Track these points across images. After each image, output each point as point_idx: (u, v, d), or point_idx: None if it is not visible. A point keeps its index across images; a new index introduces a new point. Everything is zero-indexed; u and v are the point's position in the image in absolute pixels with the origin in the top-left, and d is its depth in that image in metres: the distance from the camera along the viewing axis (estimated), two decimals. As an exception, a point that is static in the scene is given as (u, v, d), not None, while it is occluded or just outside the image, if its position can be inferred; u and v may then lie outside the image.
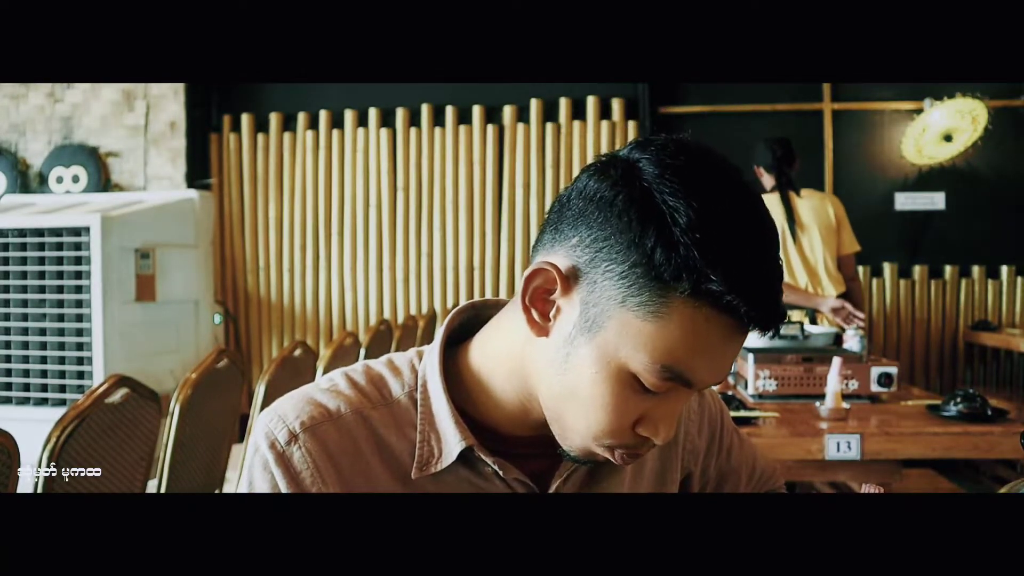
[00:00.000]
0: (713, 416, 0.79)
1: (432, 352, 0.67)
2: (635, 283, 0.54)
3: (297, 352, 2.40)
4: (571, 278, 0.58)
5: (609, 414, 0.58)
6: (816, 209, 3.18)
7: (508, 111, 4.58)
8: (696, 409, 0.77)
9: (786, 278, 3.06)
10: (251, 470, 0.63)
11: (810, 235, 3.20)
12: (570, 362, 0.58)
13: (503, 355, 0.64)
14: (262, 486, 0.62)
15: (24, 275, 3.73)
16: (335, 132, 4.68)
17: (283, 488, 0.62)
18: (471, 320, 0.70)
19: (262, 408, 2.06)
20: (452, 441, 0.63)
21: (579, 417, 0.59)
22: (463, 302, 0.72)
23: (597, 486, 0.69)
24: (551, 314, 0.59)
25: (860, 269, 4.51)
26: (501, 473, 0.64)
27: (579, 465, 0.67)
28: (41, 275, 3.74)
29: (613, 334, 0.56)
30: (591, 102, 4.50)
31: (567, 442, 0.62)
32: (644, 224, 0.53)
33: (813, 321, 3.27)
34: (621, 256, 0.54)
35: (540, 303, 0.60)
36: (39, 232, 3.73)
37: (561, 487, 0.66)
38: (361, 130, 4.67)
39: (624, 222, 0.54)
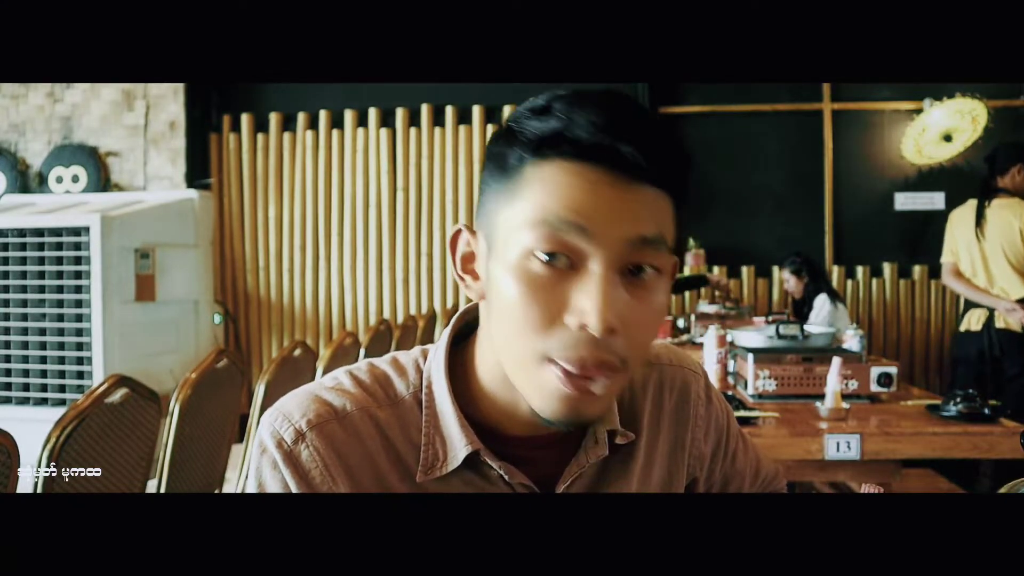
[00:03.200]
0: (720, 421, 0.78)
1: (437, 353, 0.66)
2: (498, 184, 0.58)
3: (297, 352, 2.40)
4: (477, 229, 0.62)
5: (528, 306, 0.55)
6: (1002, 216, 3.39)
7: (508, 111, 4.58)
8: (703, 415, 0.76)
9: (974, 277, 3.38)
10: (259, 470, 0.62)
11: (991, 240, 3.41)
12: (491, 293, 0.59)
13: (488, 356, 0.63)
14: (273, 486, 0.62)
15: (24, 275, 3.74)
16: (335, 132, 4.68)
17: (293, 488, 0.61)
18: (477, 319, 0.69)
19: (262, 408, 2.06)
20: (458, 445, 0.62)
21: (512, 331, 0.56)
22: (463, 302, 0.72)
23: (603, 489, 0.69)
24: (479, 271, 0.62)
25: (860, 269, 4.52)
26: (507, 478, 0.63)
27: (584, 469, 0.66)
28: (41, 275, 3.74)
29: (502, 239, 0.57)
30: (591, 102, 4.50)
31: (525, 388, 0.58)
32: (496, 140, 0.59)
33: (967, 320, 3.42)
34: (489, 177, 0.60)
35: (470, 270, 0.63)
36: (39, 232, 3.73)
37: (566, 492, 0.66)
38: (361, 130, 4.68)
39: (487, 154, 0.60)
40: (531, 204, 0.55)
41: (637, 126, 0.54)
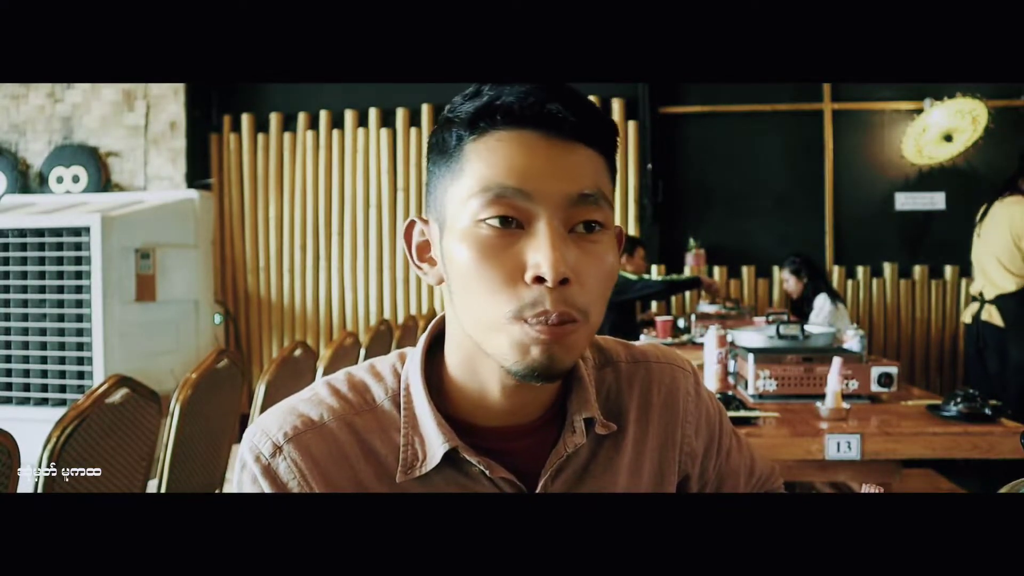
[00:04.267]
0: (711, 418, 0.79)
1: (414, 355, 0.68)
2: (442, 168, 0.62)
3: (297, 352, 2.40)
4: (427, 217, 0.65)
5: (487, 270, 0.58)
6: (1002, 213, 3.52)
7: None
8: (693, 411, 0.77)
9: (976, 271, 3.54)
10: (240, 485, 0.64)
11: (985, 239, 3.55)
12: (449, 270, 0.62)
13: (454, 344, 0.66)
14: None
15: (24, 275, 3.74)
16: (335, 132, 4.69)
17: None
18: None
19: (262, 408, 2.06)
20: (436, 444, 0.63)
21: (476, 300, 0.59)
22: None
23: (588, 485, 0.69)
24: (435, 257, 0.64)
25: (860, 269, 4.52)
26: (488, 472, 0.64)
27: (565, 462, 0.67)
28: (41, 275, 3.74)
29: (452, 214, 0.61)
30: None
31: (498, 349, 0.60)
32: (435, 131, 0.64)
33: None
34: (432, 165, 0.63)
35: (426, 258, 0.66)
36: (39, 232, 3.73)
37: (549, 484, 0.66)
38: (361, 130, 4.68)
39: (430, 145, 0.64)
40: (474, 176, 0.59)
41: (562, 90, 0.60)
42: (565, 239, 0.58)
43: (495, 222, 0.58)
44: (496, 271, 0.58)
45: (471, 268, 0.58)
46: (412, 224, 0.67)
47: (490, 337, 0.60)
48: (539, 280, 0.57)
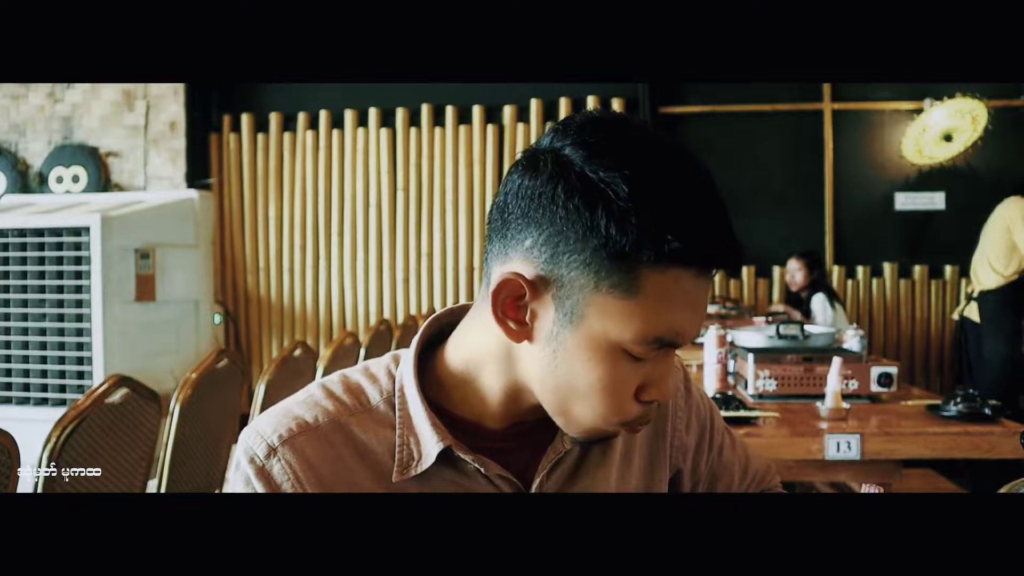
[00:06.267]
0: (702, 414, 0.79)
1: (408, 356, 0.68)
2: (601, 266, 0.56)
3: (297, 352, 2.40)
4: (537, 281, 0.58)
5: (611, 394, 0.60)
6: (1000, 212, 3.67)
7: (508, 111, 4.58)
8: (684, 407, 0.77)
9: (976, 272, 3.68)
10: (234, 487, 0.64)
11: (982, 238, 3.71)
12: (559, 358, 0.60)
13: (485, 352, 0.65)
14: None
15: (24, 275, 3.73)
16: (335, 132, 4.69)
17: None
18: (450, 324, 0.70)
19: (262, 408, 2.06)
20: (430, 443, 0.63)
21: (584, 406, 0.61)
22: (463, 302, 0.72)
23: (582, 480, 0.69)
24: (526, 319, 0.60)
25: (860, 269, 4.53)
26: (483, 470, 0.64)
27: (561, 457, 0.67)
28: (41, 275, 3.73)
29: (595, 320, 0.57)
30: (591, 102, 4.50)
31: (574, 429, 0.63)
32: (591, 207, 0.55)
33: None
34: (579, 245, 0.56)
35: (513, 312, 0.60)
36: (39, 232, 3.73)
37: (545, 482, 0.67)
38: (361, 130, 4.68)
39: (571, 210, 0.55)
40: (649, 312, 0.57)
41: (729, 227, 0.57)
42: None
43: (644, 357, 0.59)
44: (620, 394, 0.60)
45: (595, 384, 0.60)
46: (507, 283, 0.59)
47: (568, 422, 0.63)
48: (650, 400, 0.62)
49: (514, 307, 0.60)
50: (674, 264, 0.55)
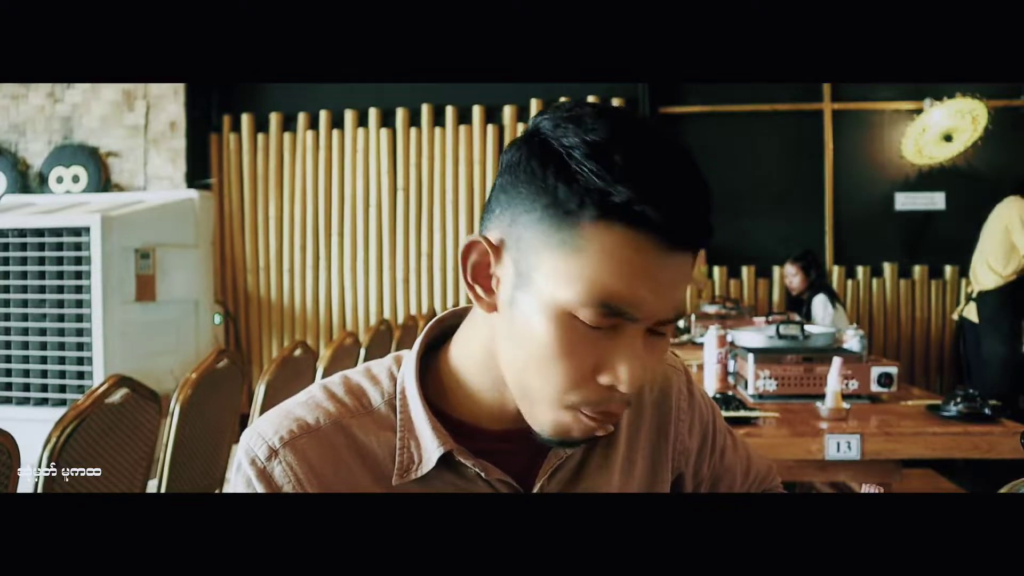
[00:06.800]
0: (704, 417, 0.79)
1: (409, 358, 0.67)
2: (550, 224, 0.55)
3: (297, 352, 2.40)
4: (500, 245, 0.59)
5: (563, 361, 0.56)
6: (998, 212, 3.70)
7: (508, 111, 4.58)
8: (687, 410, 0.77)
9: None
10: (235, 489, 0.64)
11: (981, 238, 3.73)
12: (516, 323, 0.58)
13: (475, 349, 0.65)
14: None
15: (24, 275, 3.73)
16: (335, 132, 4.69)
17: None
18: (452, 327, 0.70)
19: (262, 408, 2.06)
20: (431, 447, 0.63)
21: (538, 377, 0.58)
22: (463, 302, 0.72)
23: (583, 484, 0.69)
24: (493, 286, 0.60)
25: (860, 269, 4.53)
26: (484, 475, 0.64)
27: (563, 461, 0.67)
28: (41, 275, 3.73)
29: (544, 280, 0.56)
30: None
31: (537, 420, 0.60)
32: (545, 166, 0.55)
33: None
34: (531, 203, 0.56)
35: (482, 279, 0.61)
36: (39, 232, 3.73)
37: (546, 486, 0.66)
38: (361, 130, 4.68)
39: (528, 172, 0.56)
40: (590, 269, 0.54)
41: (699, 195, 0.55)
42: (644, 344, 0.58)
43: (593, 324, 0.55)
44: (573, 366, 0.56)
45: (546, 349, 0.56)
46: (475, 245, 0.60)
47: (535, 408, 0.60)
48: (613, 386, 0.57)
49: (483, 274, 0.61)
50: (619, 222, 0.53)
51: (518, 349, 0.59)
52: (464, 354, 0.66)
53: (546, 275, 0.56)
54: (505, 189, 0.58)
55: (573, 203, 0.54)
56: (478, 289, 0.61)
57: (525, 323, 0.57)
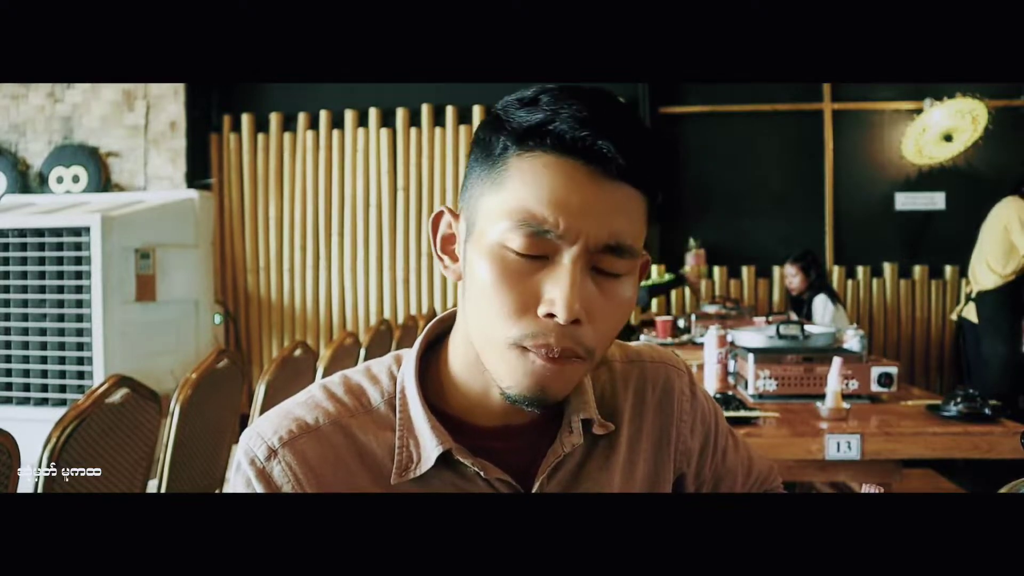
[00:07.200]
0: (707, 418, 0.79)
1: (409, 357, 0.68)
2: (483, 172, 0.60)
3: (297, 352, 2.40)
4: (459, 212, 0.64)
5: (500, 294, 0.57)
6: (996, 212, 3.71)
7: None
8: (689, 410, 0.77)
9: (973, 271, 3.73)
10: (234, 488, 0.64)
11: (980, 239, 3.76)
12: (468, 278, 0.61)
13: (461, 341, 0.65)
14: None
15: (24, 275, 3.73)
16: (335, 132, 4.69)
17: None
18: (453, 325, 0.70)
19: (262, 408, 2.06)
20: (430, 446, 0.63)
21: (483, 317, 0.59)
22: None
23: (584, 484, 0.69)
24: (458, 252, 0.64)
25: (860, 269, 4.53)
26: (483, 474, 0.64)
27: (562, 460, 0.67)
28: (41, 275, 3.73)
29: (481, 223, 0.60)
30: (591, 102, 4.49)
31: (495, 371, 0.60)
32: (483, 128, 0.61)
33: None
34: (474, 163, 0.61)
35: (448, 250, 0.65)
36: (39, 232, 3.73)
37: (545, 484, 0.66)
38: (361, 130, 4.68)
39: (475, 142, 0.62)
40: (511, 196, 0.57)
41: (619, 124, 0.57)
42: (586, 278, 0.57)
43: (521, 251, 0.57)
44: (510, 297, 0.57)
45: (486, 286, 0.58)
46: (441, 215, 0.65)
47: (489, 355, 0.60)
48: (550, 315, 0.57)
49: (449, 245, 0.65)
50: (536, 147, 0.57)
51: (472, 303, 0.61)
52: (456, 350, 0.66)
53: (483, 219, 0.59)
54: (468, 166, 0.63)
55: (499, 146, 0.58)
56: (446, 260, 0.65)
57: (472, 272, 0.60)
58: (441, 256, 0.66)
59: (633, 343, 0.79)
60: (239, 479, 0.64)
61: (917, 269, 4.51)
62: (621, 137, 0.56)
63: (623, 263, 0.59)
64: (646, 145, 0.57)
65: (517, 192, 0.57)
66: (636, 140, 0.57)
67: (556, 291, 0.56)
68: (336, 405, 0.66)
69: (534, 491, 0.66)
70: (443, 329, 0.70)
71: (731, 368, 2.28)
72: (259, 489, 0.63)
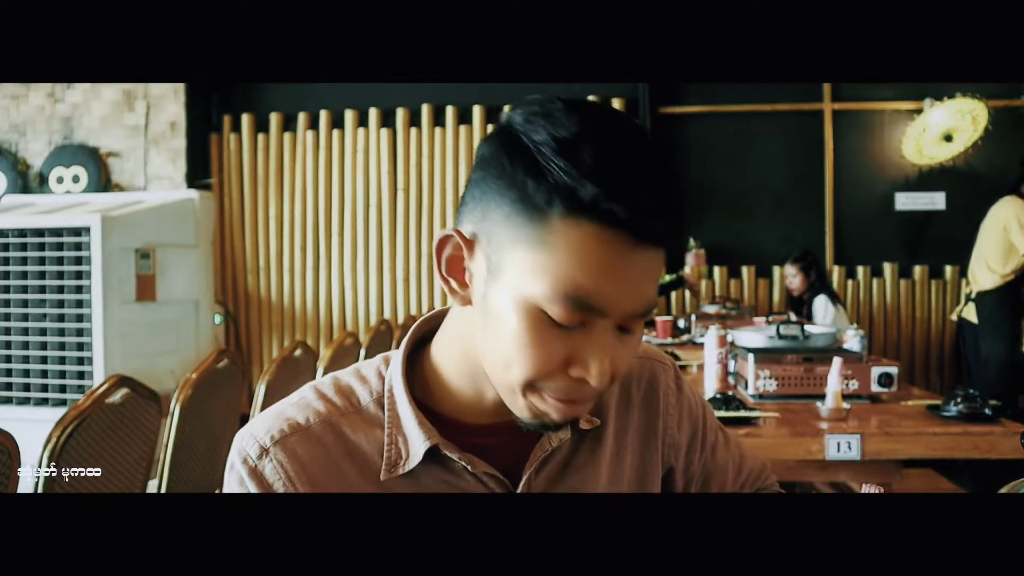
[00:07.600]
0: (694, 412, 0.79)
1: (396, 357, 0.69)
2: (519, 219, 0.56)
3: (297, 352, 2.40)
4: (473, 239, 0.60)
5: (532, 352, 0.57)
6: (994, 213, 3.71)
7: (508, 111, 4.57)
8: (675, 404, 0.77)
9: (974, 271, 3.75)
10: (228, 488, 0.65)
11: (979, 239, 3.76)
12: (489, 317, 0.59)
13: (454, 344, 0.66)
14: None
15: (24, 275, 3.73)
16: (335, 132, 4.69)
17: None
18: (439, 324, 0.71)
19: (262, 408, 2.06)
20: (417, 442, 0.64)
21: (512, 368, 0.58)
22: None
23: (571, 478, 0.69)
24: (467, 279, 0.61)
25: (860, 269, 4.53)
26: (470, 468, 0.65)
27: (549, 455, 0.68)
28: (41, 275, 3.74)
29: (513, 273, 0.57)
30: (591, 102, 4.49)
31: (516, 405, 0.61)
32: (513, 162, 0.56)
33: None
34: (501, 198, 0.57)
35: (456, 273, 0.62)
36: (39, 232, 3.73)
37: (533, 478, 0.67)
38: (361, 130, 4.68)
39: (499, 167, 0.57)
40: (557, 264, 0.55)
41: (663, 189, 0.55)
42: (615, 340, 0.58)
43: (562, 321, 0.56)
44: (541, 357, 0.57)
45: (515, 338, 0.57)
46: (449, 240, 0.61)
47: (503, 388, 0.61)
48: (582, 379, 0.58)
49: (457, 268, 0.62)
50: (586, 217, 0.53)
51: (492, 341, 0.60)
52: (444, 350, 0.67)
53: (516, 270, 0.57)
54: (478, 183, 0.59)
55: (542, 199, 0.54)
56: (452, 283, 0.62)
57: (498, 317, 0.58)
58: (447, 278, 0.63)
59: None
60: (232, 478, 0.65)
61: (917, 269, 4.51)
62: (671, 208, 0.55)
63: (648, 316, 0.60)
64: (680, 204, 0.56)
65: (565, 261, 0.54)
66: (674, 202, 0.55)
67: (593, 360, 0.57)
68: (326, 405, 0.67)
69: (522, 485, 0.67)
70: (430, 328, 0.71)
71: (731, 368, 2.28)
72: (251, 487, 0.64)
